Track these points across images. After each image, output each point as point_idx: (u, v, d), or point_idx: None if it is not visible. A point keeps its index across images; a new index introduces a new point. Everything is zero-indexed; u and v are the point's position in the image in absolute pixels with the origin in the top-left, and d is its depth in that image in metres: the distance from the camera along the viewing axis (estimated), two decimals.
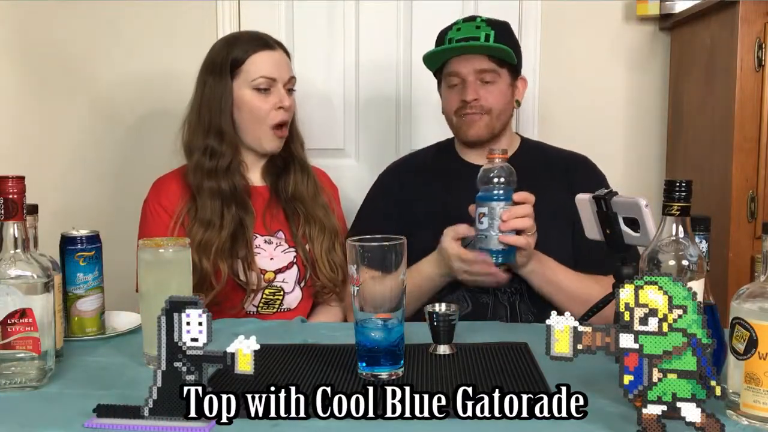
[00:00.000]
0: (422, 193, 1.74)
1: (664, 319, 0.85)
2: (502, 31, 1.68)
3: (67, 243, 1.30)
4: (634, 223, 1.26)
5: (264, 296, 1.69)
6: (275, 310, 1.70)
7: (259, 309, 1.69)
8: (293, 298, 1.72)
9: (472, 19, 1.71)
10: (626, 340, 0.86)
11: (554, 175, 1.68)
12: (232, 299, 1.65)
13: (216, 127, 1.70)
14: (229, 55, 1.71)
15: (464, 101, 1.67)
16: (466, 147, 1.76)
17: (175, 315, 0.92)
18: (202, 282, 1.60)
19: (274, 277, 1.70)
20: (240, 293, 1.66)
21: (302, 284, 1.73)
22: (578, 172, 1.73)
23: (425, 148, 1.90)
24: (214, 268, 1.61)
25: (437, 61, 1.73)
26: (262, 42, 1.72)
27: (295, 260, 1.73)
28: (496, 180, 1.40)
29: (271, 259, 1.70)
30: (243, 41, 1.73)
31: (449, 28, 1.72)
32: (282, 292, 1.70)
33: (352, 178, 2.30)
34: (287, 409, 0.95)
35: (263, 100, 1.69)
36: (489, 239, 1.39)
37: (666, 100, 2.39)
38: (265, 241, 1.70)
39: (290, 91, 1.74)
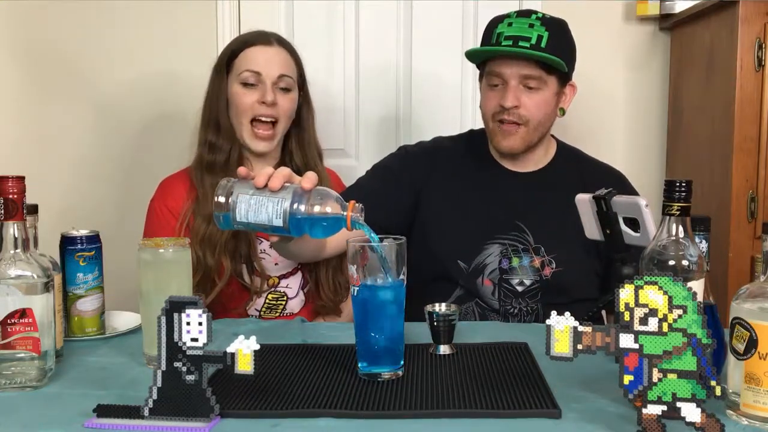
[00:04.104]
0: (443, 193, 1.64)
1: (664, 319, 0.85)
2: (557, 33, 1.55)
3: (67, 243, 1.30)
4: (634, 223, 1.27)
5: (267, 301, 1.68)
6: (277, 314, 1.69)
7: (262, 313, 1.68)
8: (296, 303, 1.71)
9: (527, 14, 1.56)
10: (626, 340, 0.86)
11: (587, 188, 1.43)
12: (236, 300, 1.65)
13: (214, 120, 1.70)
14: (228, 50, 1.72)
15: (503, 106, 1.56)
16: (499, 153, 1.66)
17: (175, 315, 0.92)
18: (205, 279, 1.60)
19: (278, 282, 1.69)
20: (244, 295, 1.66)
21: (306, 290, 1.73)
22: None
23: (454, 140, 1.76)
24: (217, 264, 1.60)
25: (480, 57, 1.62)
26: (258, 37, 1.70)
27: (299, 267, 1.72)
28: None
29: (276, 264, 1.69)
30: (242, 37, 1.74)
31: (500, 19, 1.58)
32: (285, 298, 1.70)
33: (352, 178, 2.30)
34: (287, 409, 0.95)
35: (246, 94, 1.67)
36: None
37: (666, 100, 2.39)
38: (271, 246, 1.69)
39: (284, 90, 1.69)
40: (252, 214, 1.10)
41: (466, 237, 1.60)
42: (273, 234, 1.15)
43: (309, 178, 1.11)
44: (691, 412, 0.85)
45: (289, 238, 1.20)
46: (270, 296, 1.69)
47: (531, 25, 1.54)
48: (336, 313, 1.73)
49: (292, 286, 1.71)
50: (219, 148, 1.68)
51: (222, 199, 1.11)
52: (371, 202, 1.24)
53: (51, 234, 1.32)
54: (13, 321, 1.04)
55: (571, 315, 0.88)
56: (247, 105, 1.67)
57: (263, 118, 1.67)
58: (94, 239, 1.32)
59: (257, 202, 1.10)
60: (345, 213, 1.09)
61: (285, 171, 1.12)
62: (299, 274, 1.72)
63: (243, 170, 1.14)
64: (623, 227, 1.28)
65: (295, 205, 1.09)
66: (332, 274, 1.70)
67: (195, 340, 0.92)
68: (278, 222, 1.09)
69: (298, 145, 1.76)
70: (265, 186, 1.10)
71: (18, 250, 1.06)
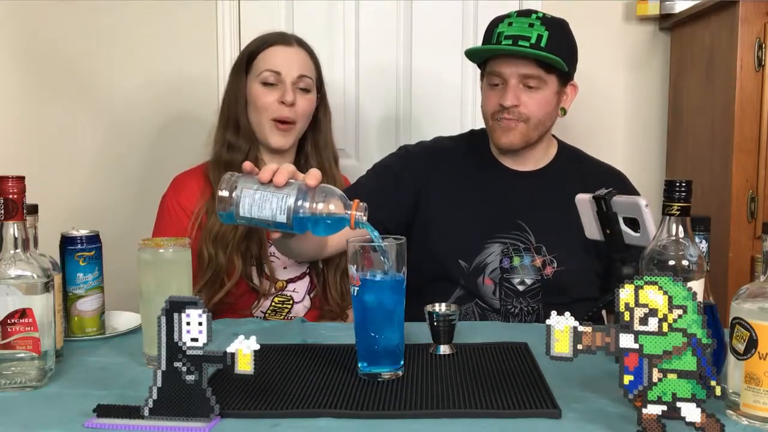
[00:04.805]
0: (443, 193, 1.64)
1: (664, 319, 0.85)
2: (558, 32, 1.56)
3: (67, 243, 1.30)
4: (634, 223, 1.27)
5: (273, 304, 1.68)
6: (282, 317, 1.69)
7: (267, 315, 1.68)
8: (302, 307, 1.71)
9: (527, 14, 1.57)
10: (626, 340, 0.86)
11: (588, 188, 1.41)
12: (243, 302, 1.65)
13: (233, 120, 1.70)
14: (247, 51, 1.72)
15: (502, 105, 1.56)
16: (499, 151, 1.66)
17: (175, 315, 0.92)
18: (214, 278, 1.60)
19: (285, 286, 1.69)
20: (251, 297, 1.66)
21: (312, 295, 1.72)
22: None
23: (455, 140, 1.76)
24: (228, 263, 1.60)
25: (480, 56, 1.63)
26: (278, 38, 1.71)
27: (308, 271, 1.72)
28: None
29: (285, 268, 1.70)
30: (262, 37, 1.73)
31: (501, 19, 1.58)
32: (291, 301, 1.69)
33: (352, 178, 2.30)
34: (287, 409, 0.95)
35: (267, 94, 1.67)
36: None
37: (666, 100, 2.39)
38: (270, 243, 1.69)
39: (303, 91, 1.69)
40: (256, 210, 1.10)
41: (466, 236, 1.60)
42: (275, 230, 1.15)
43: (313, 175, 1.11)
44: (691, 412, 0.85)
45: (291, 234, 1.20)
46: (276, 299, 1.68)
47: (531, 25, 1.54)
48: (342, 319, 1.72)
49: (299, 290, 1.70)
50: (238, 148, 1.68)
51: (225, 193, 1.11)
52: (372, 202, 1.24)
53: (51, 234, 1.32)
54: (13, 321, 1.04)
55: (571, 315, 0.88)
56: (267, 104, 1.67)
57: (282, 119, 1.67)
58: (94, 239, 1.32)
59: (261, 197, 1.10)
60: (349, 212, 1.09)
61: (290, 167, 1.12)
62: (307, 279, 1.72)
63: (248, 165, 1.14)
64: (623, 227, 1.28)
65: (300, 202, 1.09)
66: (340, 279, 1.70)
67: (195, 340, 0.92)
68: (282, 218, 1.09)
69: (314, 148, 1.76)
70: (270, 181, 1.10)
71: (18, 250, 1.06)
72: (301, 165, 1.74)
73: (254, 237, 1.64)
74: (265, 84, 1.67)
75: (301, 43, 1.73)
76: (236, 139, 1.69)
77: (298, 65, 1.69)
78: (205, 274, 1.60)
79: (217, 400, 0.93)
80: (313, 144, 1.76)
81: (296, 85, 1.68)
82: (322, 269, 1.71)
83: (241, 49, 1.82)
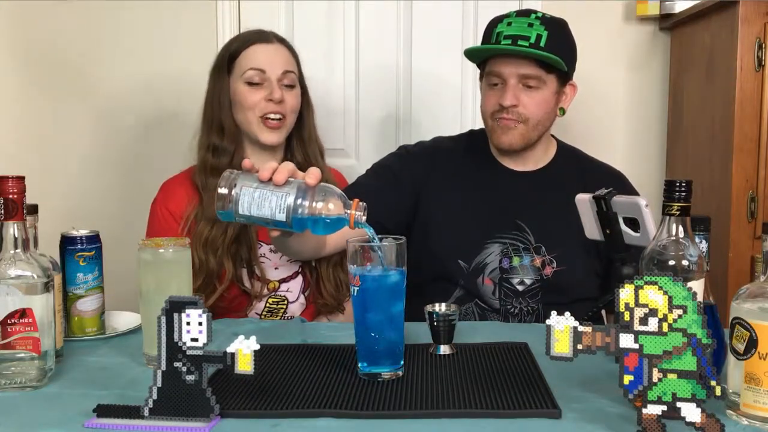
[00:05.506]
0: (443, 193, 1.64)
1: (664, 319, 0.85)
2: (557, 32, 1.55)
3: (67, 243, 1.30)
4: (634, 223, 1.27)
5: (267, 305, 1.68)
6: (278, 318, 1.69)
7: (263, 317, 1.68)
8: (297, 307, 1.71)
9: (527, 14, 1.56)
10: (626, 340, 0.86)
11: (587, 188, 1.41)
12: (237, 305, 1.65)
13: (217, 123, 1.69)
14: (228, 51, 1.71)
15: (502, 105, 1.56)
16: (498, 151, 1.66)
17: (175, 315, 0.92)
18: (207, 283, 1.59)
19: (278, 286, 1.69)
20: (244, 300, 1.65)
21: (306, 293, 1.72)
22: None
23: (454, 140, 1.75)
24: (219, 267, 1.60)
25: (479, 56, 1.63)
26: (257, 36, 1.70)
27: (300, 270, 1.72)
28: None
29: (276, 268, 1.69)
30: (242, 36, 1.73)
31: (500, 19, 1.58)
32: (286, 302, 1.69)
33: (352, 178, 2.30)
34: (287, 409, 0.95)
35: (253, 92, 1.66)
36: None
37: (666, 100, 2.39)
38: (271, 250, 1.68)
39: (288, 87, 1.69)
40: (255, 208, 1.10)
41: (466, 236, 1.60)
42: (274, 228, 1.15)
43: (313, 174, 1.10)
44: (691, 412, 0.85)
45: (290, 233, 1.20)
46: (270, 300, 1.68)
47: (530, 25, 1.54)
48: (339, 311, 1.73)
49: (293, 290, 1.70)
50: (223, 151, 1.67)
51: (224, 191, 1.11)
52: (371, 201, 1.24)
53: (51, 234, 1.32)
54: (13, 321, 1.04)
55: (571, 315, 0.88)
56: (254, 103, 1.66)
57: (271, 116, 1.67)
58: (94, 239, 1.32)
59: (261, 195, 1.09)
60: (348, 211, 1.09)
61: (289, 165, 1.12)
62: (299, 278, 1.71)
63: (247, 163, 1.13)
64: (623, 227, 1.28)
65: (299, 201, 1.09)
66: (333, 271, 1.70)
67: (195, 340, 0.92)
68: (281, 216, 1.09)
69: (299, 142, 1.75)
70: (269, 180, 1.10)
71: (18, 250, 1.06)
72: (287, 160, 1.73)
73: (243, 240, 1.64)
74: (250, 84, 1.66)
75: (281, 40, 1.73)
76: (221, 142, 1.67)
77: (281, 62, 1.68)
78: (196, 279, 1.59)
79: (217, 400, 0.93)
80: (298, 139, 1.75)
81: (281, 81, 1.67)
82: (314, 265, 1.70)
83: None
